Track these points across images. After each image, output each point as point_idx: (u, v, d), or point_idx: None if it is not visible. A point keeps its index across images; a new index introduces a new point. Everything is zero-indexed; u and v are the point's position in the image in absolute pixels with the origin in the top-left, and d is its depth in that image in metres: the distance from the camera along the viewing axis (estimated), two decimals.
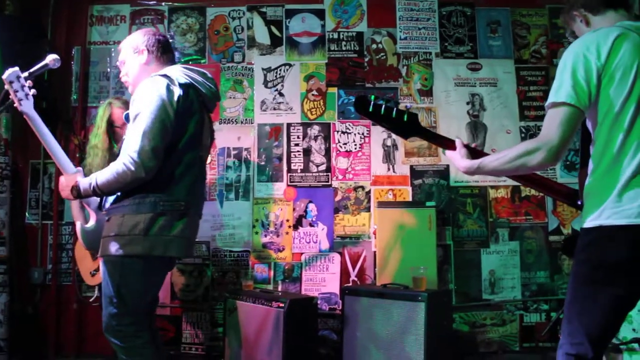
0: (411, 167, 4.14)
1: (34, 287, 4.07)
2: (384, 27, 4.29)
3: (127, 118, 2.42)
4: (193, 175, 2.45)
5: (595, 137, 1.84)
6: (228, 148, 4.13)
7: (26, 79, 2.43)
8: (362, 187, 4.11)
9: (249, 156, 4.13)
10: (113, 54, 4.20)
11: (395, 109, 2.14)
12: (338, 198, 4.10)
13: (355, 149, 4.14)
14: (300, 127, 4.16)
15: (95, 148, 3.24)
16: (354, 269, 4.02)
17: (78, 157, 4.07)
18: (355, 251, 4.04)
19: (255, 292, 3.61)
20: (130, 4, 4.31)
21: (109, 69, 4.23)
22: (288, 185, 4.10)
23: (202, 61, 4.24)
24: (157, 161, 2.28)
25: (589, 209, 1.81)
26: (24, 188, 4.16)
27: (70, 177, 2.45)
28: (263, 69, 4.22)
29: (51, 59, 2.52)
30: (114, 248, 2.30)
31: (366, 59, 4.25)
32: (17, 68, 2.38)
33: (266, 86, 4.21)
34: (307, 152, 4.14)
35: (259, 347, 3.33)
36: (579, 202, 1.96)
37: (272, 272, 4.03)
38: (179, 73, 2.44)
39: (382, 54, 4.27)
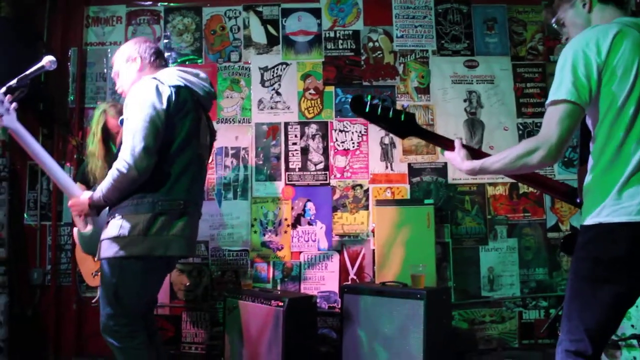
0: (409, 164, 4.14)
1: (34, 288, 4.07)
2: (380, 25, 4.29)
3: (122, 122, 2.43)
4: (191, 174, 2.46)
5: (596, 134, 1.83)
6: (226, 148, 4.13)
7: (20, 81, 2.42)
8: (360, 186, 4.11)
9: (246, 155, 4.13)
10: (109, 55, 4.20)
11: (391, 109, 2.13)
12: (336, 196, 4.10)
13: (353, 147, 4.14)
14: (298, 126, 4.17)
15: (94, 156, 3.23)
16: (352, 267, 4.02)
17: (76, 158, 4.07)
18: (354, 249, 4.05)
19: (255, 291, 3.61)
20: (126, 4, 4.31)
21: (105, 70, 4.22)
22: (286, 184, 4.11)
23: (199, 61, 4.24)
24: (150, 161, 2.29)
25: (589, 207, 1.81)
26: (23, 189, 4.16)
27: (82, 200, 2.51)
28: (260, 68, 4.22)
29: (47, 60, 2.52)
30: (113, 250, 2.31)
31: (363, 57, 4.25)
32: None
33: (263, 85, 4.21)
34: (305, 150, 4.14)
35: (259, 346, 3.34)
36: (578, 200, 1.97)
37: (271, 271, 4.04)
38: (170, 75, 2.46)
39: (378, 52, 4.27)
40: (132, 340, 2.38)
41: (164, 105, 2.34)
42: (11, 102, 2.40)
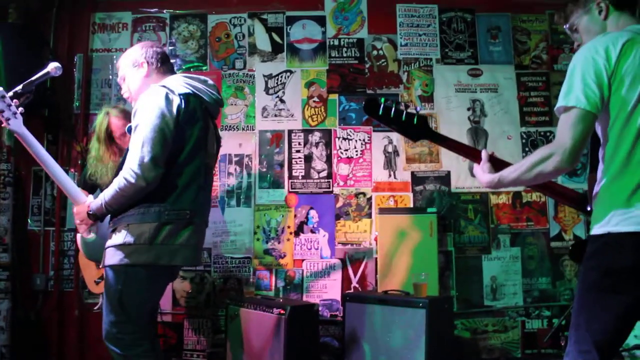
0: (412, 173, 4.14)
1: (36, 294, 4.08)
2: (384, 34, 4.30)
3: (129, 130, 2.43)
4: (198, 184, 2.46)
5: (605, 142, 1.82)
6: (229, 155, 4.14)
7: (26, 87, 2.44)
8: (364, 194, 4.11)
9: (250, 163, 4.14)
10: (115, 61, 4.21)
11: (405, 111, 2.14)
12: (339, 204, 4.10)
13: (357, 155, 4.15)
14: (302, 134, 4.17)
15: (96, 160, 3.23)
16: (355, 275, 4.02)
17: (80, 164, 4.08)
18: (356, 258, 4.04)
19: (257, 299, 3.61)
20: (132, 11, 4.33)
21: (110, 76, 4.24)
22: (289, 192, 4.11)
23: (204, 68, 4.26)
24: (158, 171, 2.29)
25: (598, 216, 1.79)
26: (27, 195, 4.17)
27: (81, 206, 2.49)
28: (264, 76, 4.24)
29: (53, 67, 2.53)
30: (118, 257, 2.31)
31: (367, 65, 4.26)
32: (0, 88, 2.36)
33: (267, 93, 4.22)
34: (308, 158, 4.15)
35: (261, 353, 3.33)
36: (589, 208, 1.95)
37: (273, 279, 4.04)
38: (179, 82, 2.45)
39: (382, 60, 4.28)
40: (135, 348, 2.38)
41: (174, 115, 2.33)
42: (18, 107, 2.40)
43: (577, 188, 2.12)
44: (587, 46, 1.81)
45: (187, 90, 2.43)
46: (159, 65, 2.59)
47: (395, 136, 4.16)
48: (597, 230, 1.78)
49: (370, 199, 4.11)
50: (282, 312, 3.27)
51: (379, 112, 2.13)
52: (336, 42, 4.29)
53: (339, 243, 4.06)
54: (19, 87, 2.45)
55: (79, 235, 2.98)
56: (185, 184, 2.40)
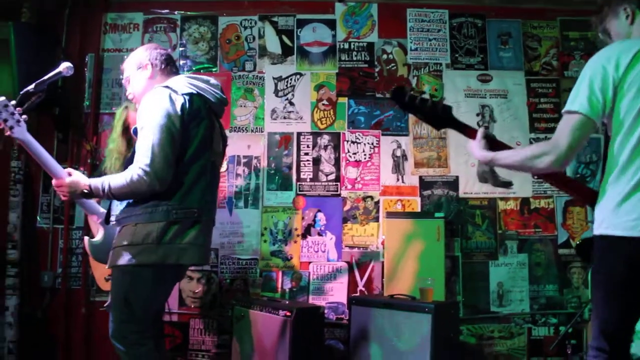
0: (420, 177, 4.14)
1: (44, 291, 4.10)
2: (394, 38, 4.31)
3: (135, 132, 2.44)
4: (205, 182, 2.47)
5: (609, 148, 1.90)
6: (238, 156, 4.15)
7: (38, 86, 2.46)
8: (371, 197, 4.11)
9: (258, 164, 4.15)
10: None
11: (430, 100, 2.18)
12: (347, 208, 4.10)
13: (365, 159, 4.15)
14: (310, 137, 4.18)
15: (113, 151, 3.26)
16: (361, 279, 4.02)
17: (89, 163, 4.11)
18: (363, 261, 4.04)
19: (263, 300, 3.62)
20: (143, 12, 4.35)
21: (121, 76, 4.25)
22: (297, 194, 4.12)
23: (214, 69, 4.27)
24: (170, 171, 2.30)
25: (596, 217, 1.91)
26: (36, 192, 4.20)
27: (74, 182, 2.45)
28: (274, 78, 4.25)
29: (65, 66, 2.55)
30: (126, 258, 2.32)
31: (377, 69, 4.27)
32: (3, 98, 2.37)
33: (277, 95, 4.23)
34: (316, 161, 4.15)
35: (266, 355, 3.34)
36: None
37: (280, 281, 4.04)
38: (182, 82, 2.47)
39: (392, 64, 4.28)
40: (140, 347, 2.39)
41: (179, 114, 2.35)
42: (22, 114, 2.42)
43: None
44: (600, 53, 1.86)
45: (191, 90, 2.45)
46: (163, 67, 2.61)
47: (404, 140, 4.17)
48: (594, 230, 1.91)
49: (377, 202, 4.11)
50: (288, 314, 3.27)
51: (405, 99, 2.19)
52: (346, 46, 4.30)
53: (345, 246, 4.06)
54: (31, 86, 2.47)
55: (86, 238, 3.01)
56: (192, 182, 2.41)
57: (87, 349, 4.01)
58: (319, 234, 4.07)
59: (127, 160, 2.49)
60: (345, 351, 3.58)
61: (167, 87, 2.42)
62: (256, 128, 4.21)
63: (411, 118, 4.19)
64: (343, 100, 4.22)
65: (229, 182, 4.11)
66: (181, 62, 4.28)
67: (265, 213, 4.10)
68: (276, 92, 4.24)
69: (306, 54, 4.28)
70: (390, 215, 3.91)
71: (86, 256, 4.03)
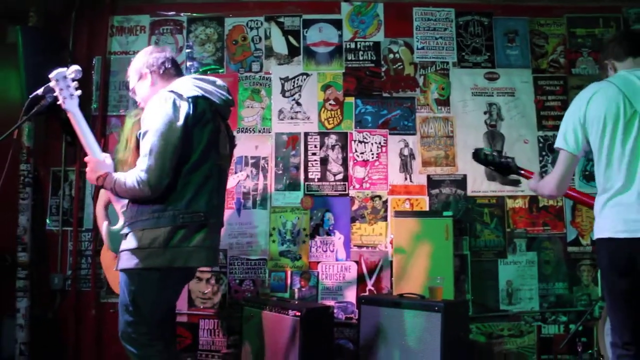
0: (428, 176, 4.14)
1: (54, 293, 4.12)
2: (401, 37, 4.31)
3: (140, 136, 2.44)
4: (212, 186, 2.46)
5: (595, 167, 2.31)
6: (246, 157, 4.16)
7: (46, 89, 2.46)
8: (379, 197, 4.11)
9: (266, 165, 4.16)
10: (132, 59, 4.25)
11: (499, 156, 2.82)
12: (355, 207, 4.10)
13: (373, 158, 4.15)
14: (318, 137, 4.19)
15: (124, 164, 3.22)
16: (370, 278, 4.02)
17: None
18: (372, 260, 4.04)
19: (272, 301, 3.62)
20: (149, 14, 4.37)
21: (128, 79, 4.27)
22: (305, 194, 4.12)
23: (221, 71, 4.28)
24: (164, 180, 2.30)
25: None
26: (45, 195, 4.22)
27: (102, 164, 2.45)
28: (281, 79, 4.26)
29: (73, 69, 2.56)
30: (133, 262, 2.32)
31: (383, 69, 4.27)
32: (64, 69, 2.42)
33: (284, 95, 4.24)
34: (324, 161, 4.16)
35: (276, 355, 3.35)
36: None
37: (288, 281, 4.05)
38: (187, 85, 2.45)
39: (399, 63, 4.28)
40: (150, 348, 2.39)
41: (181, 121, 2.33)
42: (77, 89, 2.44)
43: (592, 193, 2.48)
44: (580, 94, 2.31)
45: (196, 93, 2.43)
46: (162, 71, 2.59)
47: (411, 139, 4.17)
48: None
49: (386, 202, 4.11)
50: (297, 314, 3.28)
51: (482, 157, 2.87)
52: (352, 46, 4.30)
53: (354, 246, 4.06)
54: (39, 90, 2.48)
55: (104, 225, 2.98)
56: (198, 186, 2.40)
57: (97, 350, 4.03)
58: (328, 234, 4.08)
59: None
60: (355, 351, 3.58)
61: (172, 91, 2.41)
62: (263, 129, 4.21)
63: (418, 117, 4.19)
64: (350, 100, 4.22)
65: (237, 182, 4.12)
66: (188, 63, 4.29)
67: (274, 213, 4.11)
68: (283, 92, 4.24)
69: (312, 54, 4.29)
70: (399, 214, 3.91)
71: (95, 258, 4.06)
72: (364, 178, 4.13)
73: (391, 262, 3.93)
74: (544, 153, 4.16)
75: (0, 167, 2.60)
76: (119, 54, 4.35)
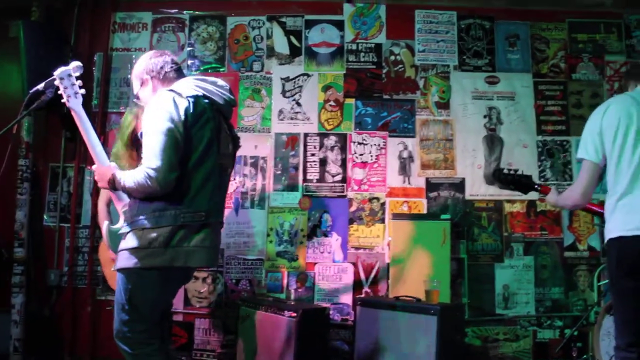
0: (427, 179, 4.14)
1: (50, 289, 4.13)
2: (402, 39, 4.31)
3: (141, 136, 2.44)
4: (212, 185, 2.46)
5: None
6: (245, 156, 4.16)
7: (47, 84, 2.46)
8: (377, 199, 4.11)
9: (265, 165, 4.16)
10: (134, 61, 4.24)
11: (521, 178, 2.93)
12: (353, 209, 4.11)
13: (371, 160, 4.15)
14: (317, 137, 4.19)
15: (115, 157, 3.22)
16: (367, 280, 4.02)
17: None
18: (368, 262, 4.04)
19: (268, 301, 3.62)
20: (152, 11, 4.38)
21: (129, 76, 4.27)
22: (304, 195, 4.12)
23: (222, 69, 4.28)
24: (172, 175, 2.30)
25: None
26: (43, 191, 4.23)
27: (106, 168, 2.46)
28: (281, 79, 4.26)
29: (74, 65, 2.55)
30: (132, 261, 2.31)
31: (384, 71, 4.27)
32: (70, 67, 2.42)
33: (284, 96, 4.24)
34: (323, 162, 4.16)
35: (271, 355, 3.35)
36: None
37: (285, 281, 4.05)
38: (188, 85, 2.46)
39: (400, 65, 4.28)
40: (145, 347, 2.38)
41: (182, 118, 2.34)
42: (81, 87, 2.44)
43: None
44: (598, 107, 2.44)
45: (196, 92, 2.44)
46: (163, 75, 2.58)
47: (411, 142, 4.17)
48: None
49: (384, 204, 4.11)
50: (293, 315, 3.28)
51: (501, 177, 2.95)
52: (354, 47, 4.30)
53: (351, 247, 4.06)
54: (40, 85, 2.48)
55: (105, 223, 2.98)
56: (199, 185, 2.40)
57: (93, 347, 4.03)
58: (325, 235, 4.08)
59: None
60: (350, 352, 3.58)
61: (171, 90, 2.41)
62: (263, 128, 4.21)
63: (418, 120, 4.19)
64: (350, 101, 4.22)
65: (236, 182, 4.12)
66: (189, 61, 4.29)
67: (272, 214, 4.11)
68: (283, 92, 4.24)
69: (314, 54, 4.29)
70: (396, 216, 3.91)
71: (93, 255, 4.05)
72: (362, 180, 4.13)
73: (388, 264, 3.93)
74: (542, 158, 4.16)
75: None
76: (121, 50, 4.35)
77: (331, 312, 3.84)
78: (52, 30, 4.08)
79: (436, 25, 4.33)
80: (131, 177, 2.33)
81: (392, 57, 4.29)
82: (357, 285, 4.02)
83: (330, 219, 4.09)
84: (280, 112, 4.22)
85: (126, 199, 2.78)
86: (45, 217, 4.20)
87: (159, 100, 2.37)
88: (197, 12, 4.36)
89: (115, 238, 2.77)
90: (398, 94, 4.24)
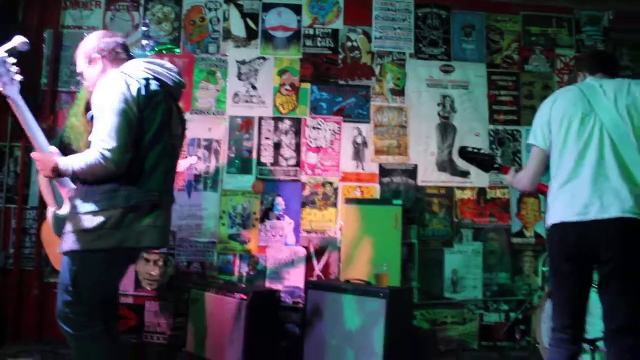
0: (380, 165, 4.18)
1: None
2: (359, 25, 4.32)
3: (91, 118, 2.39)
4: (165, 166, 2.44)
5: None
6: (198, 139, 4.12)
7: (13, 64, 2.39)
8: (331, 183, 4.14)
9: (219, 148, 4.13)
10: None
11: (481, 153, 2.98)
12: (306, 193, 4.12)
13: (326, 145, 4.17)
14: (272, 121, 4.18)
15: (74, 129, 3.16)
16: (318, 263, 4.05)
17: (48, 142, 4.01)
18: (320, 246, 4.07)
19: (219, 283, 3.62)
20: None
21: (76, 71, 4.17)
22: (257, 178, 4.11)
23: (177, 51, 4.22)
24: (127, 155, 2.26)
25: None
26: None
27: (48, 156, 2.41)
28: (237, 62, 4.22)
29: (18, 41, 2.48)
30: (79, 244, 2.27)
31: (340, 56, 4.28)
32: (4, 53, 2.33)
33: (239, 79, 4.21)
34: (277, 146, 4.15)
35: (221, 337, 3.34)
36: None
37: (237, 264, 4.04)
38: (138, 67, 2.43)
39: (356, 51, 4.30)
40: (87, 329, 2.35)
41: (135, 99, 2.31)
42: (17, 73, 2.36)
43: None
44: (548, 97, 2.53)
45: (147, 75, 2.41)
46: (114, 56, 2.54)
47: (365, 128, 4.20)
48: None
49: (337, 188, 4.14)
50: (243, 297, 3.28)
51: (466, 154, 2.98)
52: (311, 32, 4.29)
53: (304, 231, 4.08)
54: (11, 59, 2.40)
55: (51, 210, 2.92)
56: (151, 166, 2.38)
57: (40, 330, 3.95)
58: (278, 219, 4.08)
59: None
60: (301, 335, 3.60)
61: (122, 72, 2.38)
62: (217, 111, 4.18)
63: (372, 106, 4.23)
64: (306, 86, 4.23)
65: (189, 165, 4.08)
66: (144, 42, 4.22)
67: (225, 196, 4.09)
68: (239, 75, 4.21)
69: (271, 38, 4.27)
70: (349, 201, 3.95)
71: (39, 236, 3.96)
72: (316, 164, 4.15)
73: (339, 248, 3.97)
74: (494, 146, 4.25)
75: None
76: (72, 28, 4.24)
77: (282, 295, 3.86)
78: None
79: (393, 12, 4.36)
80: (81, 160, 2.27)
81: (349, 43, 4.30)
82: (308, 269, 4.04)
83: (283, 202, 4.10)
84: (236, 95, 4.19)
85: (71, 184, 2.73)
86: None
87: (110, 81, 2.33)
88: None
89: (62, 224, 2.73)
90: (354, 79, 4.26)
